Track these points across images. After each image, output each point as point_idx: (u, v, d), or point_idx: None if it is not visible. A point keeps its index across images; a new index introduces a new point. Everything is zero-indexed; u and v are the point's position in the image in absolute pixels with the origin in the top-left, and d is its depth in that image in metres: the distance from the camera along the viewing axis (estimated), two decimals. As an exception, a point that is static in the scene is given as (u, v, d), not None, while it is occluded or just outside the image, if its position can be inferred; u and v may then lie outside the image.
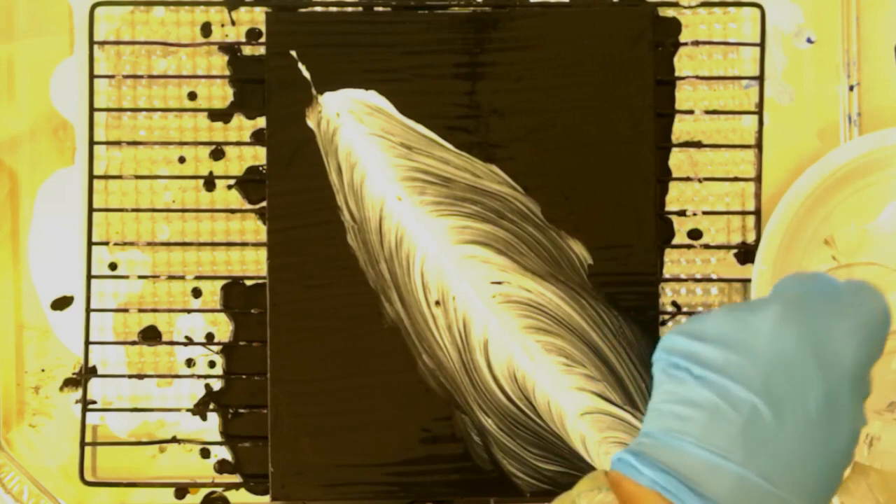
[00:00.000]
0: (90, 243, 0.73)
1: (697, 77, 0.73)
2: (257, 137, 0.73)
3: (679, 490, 0.47)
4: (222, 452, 0.73)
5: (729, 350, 0.49)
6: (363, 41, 0.71)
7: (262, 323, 0.71)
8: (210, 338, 0.73)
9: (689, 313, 0.73)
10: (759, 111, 0.73)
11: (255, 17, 0.73)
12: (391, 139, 0.71)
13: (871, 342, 0.50)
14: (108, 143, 0.73)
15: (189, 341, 0.73)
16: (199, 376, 0.73)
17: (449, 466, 0.70)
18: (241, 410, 0.72)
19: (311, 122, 0.71)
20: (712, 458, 0.47)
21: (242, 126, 0.73)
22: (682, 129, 0.73)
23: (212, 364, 0.73)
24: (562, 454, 0.70)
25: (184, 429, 0.73)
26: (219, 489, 0.73)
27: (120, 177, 0.73)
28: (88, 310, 0.73)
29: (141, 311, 0.73)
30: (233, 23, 0.74)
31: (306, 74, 0.71)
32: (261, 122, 0.73)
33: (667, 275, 0.73)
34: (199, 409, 0.73)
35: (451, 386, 0.70)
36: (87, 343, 0.73)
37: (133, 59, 0.74)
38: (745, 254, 0.73)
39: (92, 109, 0.73)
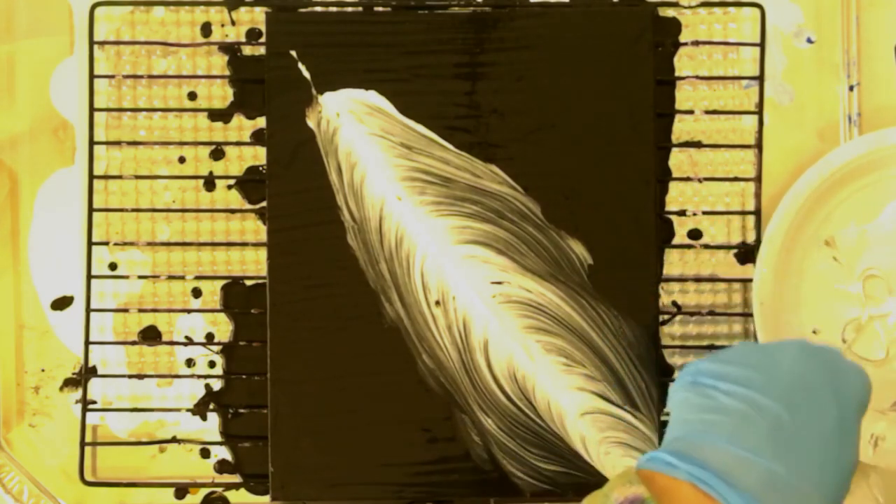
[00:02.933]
0: (90, 243, 0.73)
1: (697, 77, 0.73)
2: (257, 137, 0.73)
3: (714, 481, 0.50)
4: (222, 452, 0.73)
5: (754, 370, 0.53)
6: (363, 41, 0.71)
7: (262, 323, 0.71)
8: (210, 338, 0.73)
9: (690, 313, 0.73)
10: (759, 111, 0.73)
11: (255, 17, 0.73)
12: (391, 139, 0.71)
13: (867, 394, 0.55)
14: (108, 143, 0.73)
15: (189, 341, 0.73)
16: (199, 376, 0.73)
17: (449, 466, 0.70)
18: (241, 410, 0.72)
19: (311, 122, 0.71)
20: (743, 454, 0.50)
21: (242, 126, 0.73)
22: (682, 129, 0.73)
23: (212, 364, 0.73)
24: (562, 454, 0.70)
25: (184, 429, 0.73)
26: (219, 489, 0.73)
27: (120, 177, 0.73)
28: (88, 310, 0.73)
29: (141, 311, 0.73)
30: (233, 23, 0.74)
31: (306, 74, 0.71)
32: (261, 122, 0.73)
33: (667, 275, 0.73)
34: (199, 409, 0.73)
35: (451, 386, 0.70)
36: (87, 343, 0.73)
37: (133, 59, 0.74)
38: (745, 254, 0.73)
39: (92, 109, 0.73)
